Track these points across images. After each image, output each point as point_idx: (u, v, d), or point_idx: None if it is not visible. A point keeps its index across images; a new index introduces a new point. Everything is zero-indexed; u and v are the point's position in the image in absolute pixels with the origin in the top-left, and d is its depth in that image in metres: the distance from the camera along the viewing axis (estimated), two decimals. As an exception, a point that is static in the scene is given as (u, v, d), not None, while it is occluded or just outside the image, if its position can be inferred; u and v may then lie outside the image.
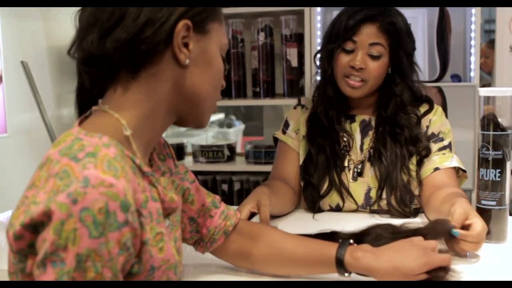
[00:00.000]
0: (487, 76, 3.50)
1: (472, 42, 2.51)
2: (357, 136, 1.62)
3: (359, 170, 1.59)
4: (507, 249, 1.29)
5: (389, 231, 1.15)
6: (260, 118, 3.20)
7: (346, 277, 1.07)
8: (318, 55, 1.65)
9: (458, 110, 2.46)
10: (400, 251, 1.04)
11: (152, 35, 0.84)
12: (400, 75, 1.57)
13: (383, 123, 1.59)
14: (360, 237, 1.13)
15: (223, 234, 1.13)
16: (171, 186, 1.01)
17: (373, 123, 1.62)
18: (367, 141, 1.61)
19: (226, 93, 2.80)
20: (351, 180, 1.59)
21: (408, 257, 1.03)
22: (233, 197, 2.94)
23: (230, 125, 4.28)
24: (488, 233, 1.25)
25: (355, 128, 1.63)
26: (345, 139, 1.61)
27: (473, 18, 2.50)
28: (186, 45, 0.87)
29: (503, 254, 1.26)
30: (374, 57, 1.52)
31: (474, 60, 2.49)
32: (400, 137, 1.55)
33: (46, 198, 0.72)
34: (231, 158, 2.90)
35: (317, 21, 2.67)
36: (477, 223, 1.18)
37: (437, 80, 2.57)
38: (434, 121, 1.59)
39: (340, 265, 1.06)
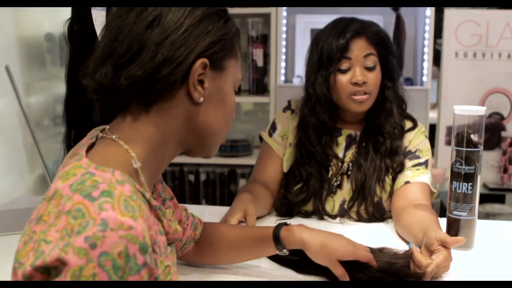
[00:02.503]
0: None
1: (425, 49, 2.53)
2: (341, 150, 1.56)
3: (338, 183, 1.54)
4: (474, 256, 1.30)
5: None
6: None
7: (284, 253, 1.12)
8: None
9: (410, 112, 2.48)
10: (335, 235, 1.11)
11: (168, 74, 0.78)
12: (390, 79, 1.54)
13: (369, 134, 1.54)
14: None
15: (193, 242, 1.15)
16: (174, 217, 0.96)
17: (358, 138, 1.57)
18: (349, 154, 1.56)
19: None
20: (331, 195, 1.54)
21: (339, 241, 1.10)
22: (199, 187, 2.90)
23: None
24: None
25: (341, 141, 1.57)
26: (332, 158, 1.54)
27: (426, 27, 2.52)
28: (201, 82, 0.82)
29: (471, 260, 1.27)
30: (370, 69, 1.48)
31: (427, 66, 2.52)
32: (381, 148, 1.51)
33: (59, 237, 0.65)
34: (197, 150, 2.85)
35: (282, 24, 2.65)
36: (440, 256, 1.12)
37: (392, 83, 2.58)
38: (413, 140, 1.55)
39: (277, 239, 1.10)
